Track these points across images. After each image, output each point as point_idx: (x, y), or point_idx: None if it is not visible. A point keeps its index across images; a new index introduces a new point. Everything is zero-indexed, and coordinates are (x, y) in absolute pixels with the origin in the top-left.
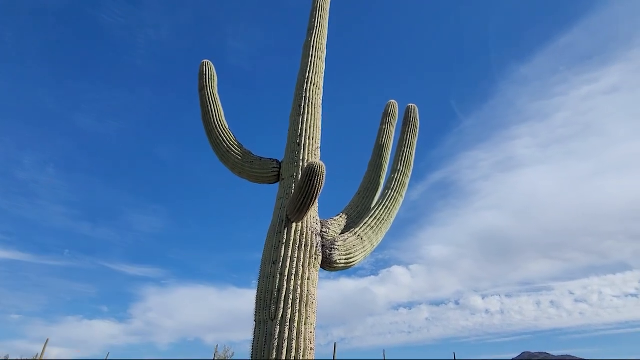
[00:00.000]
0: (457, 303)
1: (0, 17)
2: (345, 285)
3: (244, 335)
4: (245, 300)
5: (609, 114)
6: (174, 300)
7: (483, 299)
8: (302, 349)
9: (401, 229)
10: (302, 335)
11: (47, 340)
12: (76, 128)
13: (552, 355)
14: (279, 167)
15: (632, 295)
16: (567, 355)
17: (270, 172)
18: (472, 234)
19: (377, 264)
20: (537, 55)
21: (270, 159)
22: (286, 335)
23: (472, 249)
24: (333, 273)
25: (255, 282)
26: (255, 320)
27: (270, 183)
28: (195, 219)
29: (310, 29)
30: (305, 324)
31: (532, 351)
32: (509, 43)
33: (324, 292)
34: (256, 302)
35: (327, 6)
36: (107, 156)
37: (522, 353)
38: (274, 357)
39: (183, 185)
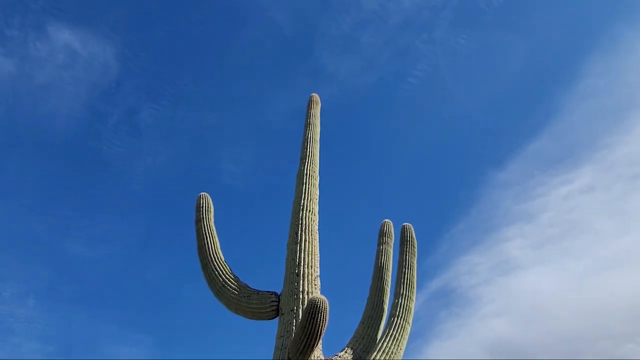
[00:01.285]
0: None
1: (4, 151)
2: None
3: None
4: None
5: (591, 211)
6: None
7: None
8: None
9: (407, 347)
10: None
11: None
12: (63, 255)
13: None
14: (277, 300)
15: None
16: None
17: (268, 306)
18: (481, 344)
19: None
20: (511, 162)
21: (269, 292)
22: None
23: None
24: None
25: None
26: None
27: (269, 319)
28: (183, 353)
29: (303, 157)
30: None
31: None
32: (483, 151)
33: None
34: None
35: (317, 137)
36: (93, 283)
37: None
38: None
39: (171, 314)
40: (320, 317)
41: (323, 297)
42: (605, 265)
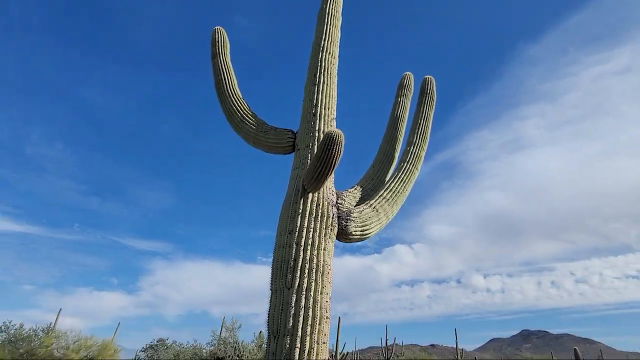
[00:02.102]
0: (458, 282)
1: None
2: (350, 262)
3: (250, 309)
4: (250, 275)
5: (620, 94)
6: (181, 274)
7: (484, 278)
8: (318, 318)
9: (406, 209)
10: (318, 304)
11: (60, 310)
12: (81, 102)
13: (551, 334)
14: (294, 137)
15: (633, 277)
16: (565, 334)
17: (285, 142)
18: (477, 214)
19: (381, 243)
20: (547, 35)
21: (285, 129)
22: (302, 303)
23: (476, 229)
24: (336, 250)
25: (261, 258)
26: (271, 289)
27: (285, 153)
28: (202, 195)
29: None
30: (321, 294)
31: (532, 329)
32: (518, 21)
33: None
34: (272, 271)
35: None
36: (113, 132)
37: (522, 331)
38: (291, 324)
39: (189, 161)
40: (336, 149)
41: (339, 131)
42: (619, 150)
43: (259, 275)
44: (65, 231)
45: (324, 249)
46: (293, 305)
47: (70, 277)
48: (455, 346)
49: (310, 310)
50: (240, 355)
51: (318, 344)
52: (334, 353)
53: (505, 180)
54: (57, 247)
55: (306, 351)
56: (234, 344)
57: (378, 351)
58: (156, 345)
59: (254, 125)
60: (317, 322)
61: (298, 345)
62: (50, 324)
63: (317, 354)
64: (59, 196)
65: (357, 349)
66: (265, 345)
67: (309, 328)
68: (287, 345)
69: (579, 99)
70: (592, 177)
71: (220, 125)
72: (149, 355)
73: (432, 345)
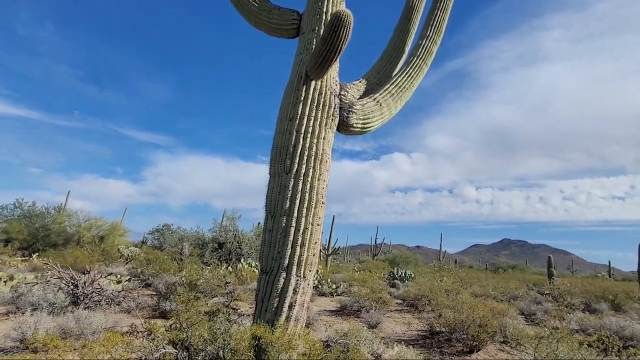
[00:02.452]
0: (450, 192)
1: None
2: (347, 166)
3: (249, 204)
4: (250, 173)
5: None
6: (184, 167)
7: (476, 190)
8: (314, 202)
9: (408, 116)
10: (315, 189)
11: (69, 192)
12: None
13: (529, 243)
14: (299, 19)
15: (619, 198)
16: (542, 244)
17: (289, 23)
18: (479, 127)
19: (380, 149)
20: None
21: (290, 10)
22: (300, 187)
23: (476, 142)
24: (335, 154)
25: (261, 157)
26: (270, 173)
27: (289, 37)
28: (204, 89)
29: None
30: (318, 180)
31: (512, 238)
32: None
33: None
34: (271, 157)
35: None
36: (106, 15)
37: (503, 239)
38: (287, 206)
39: (191, 53)
40: (343, 32)
41: (348, 11)
42: (634, 71)
43: (258, 174)
44: (65, 118)
45: (324, 138)
46: (290, 188)
47: (75, 162)
48: (439, 248)
49: (307, 194)
50: (239, 242)
51: (312, 225)
52: (326, 247)
53: (514, 95)
54: (58, 133)
55: (301, 230)
56: (234, 232)
57: (367, 248)
58: (162, 229)
59: (255, 2)
60: (313, 206)
61: (294, 224)
62: (61, 204)
63: (310, 234)
64: (55, 81)
65: (347, 245)
66: (263, 224)
67: (304, 210)
68: (284, 224)
69: (609, 10)
70: (601, 98)
71: (225, 16)
72: (156, 237)
73: (418, 247)
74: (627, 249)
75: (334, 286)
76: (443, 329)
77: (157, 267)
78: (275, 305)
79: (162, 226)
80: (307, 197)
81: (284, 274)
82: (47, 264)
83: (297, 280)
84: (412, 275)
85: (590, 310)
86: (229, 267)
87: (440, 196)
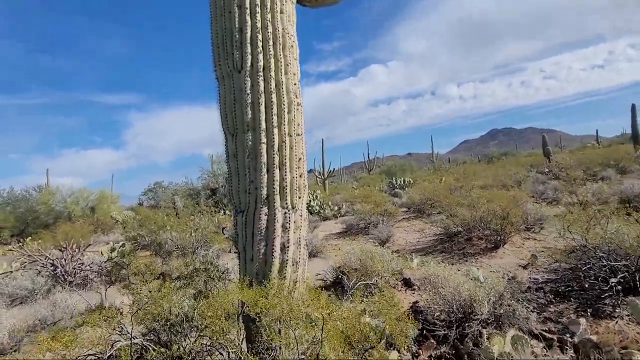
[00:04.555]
0: (433, 93)
1: None
2: (324, 89)
3: None
4: None
5: None
6: (162, 122)
7: (458, 86)
8: (285, 105)
9: (378, 26)
10: (284, 86)
11: (47, 170)
12: None
13: (516, 129)
14: None
15: (599, 66)
16: (529, 127)
17: None
18: (452, 22)
19: (356, 65)
20: None
21: None
22: (261, 87)
23: (451, 38)
24: (309, 78)
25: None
26: (216, 77)
27: None
28: (163, 40)
29: None
30: (285, 73)
31: (499, 127)
32: None
33: (305, 100)
34: (213, 50)
35: None
36: None
37: (490, 130)
38: (249, 117)
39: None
40: None
41: None
42: None
43: None
44: (25, 96)
45: (281, 12)
46: (249, 91)
47: (50, 140)
48: (430, 152)
49: (274, 95)
50: None
51: (290, 136)
52: (321, 172)
53: None
54: (23, 113)
55: (275, 146)
56: (225, 175)
57: (361, 165)
58: (154, 187)
59: None
60: (285, 110)
61: (264, 140)
62: (42, 185)
63: (290, 148)
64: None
65: (342, 166)
66: (224, 146)
67: (275, 118)
68: (250, 143)
69: None
70: None
71: None
72: (150, 197)
73: (409, 154)
74: (610, 116)
75: (336, 208)
76: (461, 229)
77: (151, 225)
78: (263, 251)
79: (154, 184)
80: (274, 100)
81: (264, 209)
82: (13, 250)
83: (285, 212)
84: (412, 182)
85: (597, 179)
86: (226, 212)
87: (422, 100)
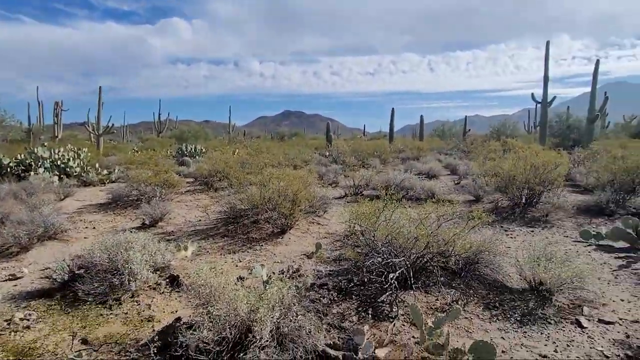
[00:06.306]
0: (236, 64)
1: None
2: (115, 30)
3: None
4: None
5: None
6: None
7: (260, 63)
8: None
9: None
10: None
11: None
12: None
13: (306, 114)
14: None
15: (370, 73)
16: (316, 114)
17: None
18: None
19: (155, 12)
20: None
21: None
22: None
23: (262, 12)
24: (96, 12)
25: None
26: None
27: None
28: None
29: None
30: None
31: (292, 110)
32: None
33: (84, 35)
34: None
35: None
36: None
37: (284, 111)
38: None
39: None
40: None
41: None
42: None
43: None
44: None
45: None
46: None
47: None
48: (228, 122)
49: None
50: None
51: None
52: (94, 125)
53: None
54: None
55: None
56: None
57: (151, 126)
58: None
59: None
60: None
61: None
62: None
63: None
64: None
65: (127, 124)
66: None
67: None
68: None
69: None
70: None
71: None
72: None
73: (207, 121)
74: (374, 114)
75: (105, 172)
76: (249, 212)
77: None
78: None
79: None
80: None
81: None
82: None
83: None
84: (204, 150)
85: (365, 165)
86: None
87: (225, 69)
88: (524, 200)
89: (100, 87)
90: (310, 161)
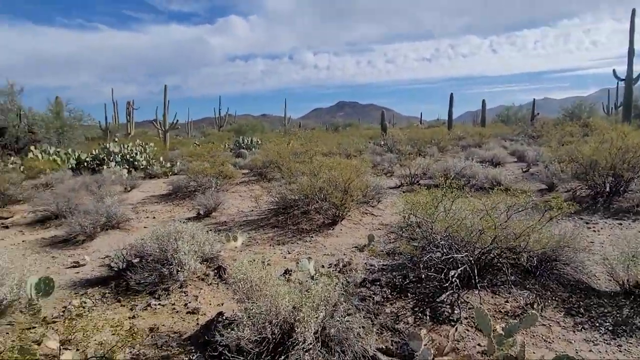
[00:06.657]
0: (291, 58)
1: None
2: (177, 32)
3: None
4: (47, 40)
5: None
6: None
7: (314, 55)
8: None
9: None
10: None
11: None
12: None
13: (360, 104)
14: None
15: (427, 59)
16: (371, 104)
17: None
18: None
19: (214, 11)
20: None
21: None
22: None
23: (313, 4)
24: (161, 16)
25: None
26: None
27: None
28: None
29: None
30: None
31: (346, 100)
32: None
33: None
34: None
35: None
36: None
37: (338, 102)
38: None
39: None
40: None
41: None
42: None
43: (59, 41)
44: None
45: None
46: None
47: None
48: (284, 115)
49: None
50: (30, 125)
51: None
52: (161, 122)
53: None
54: None
55: None
56: (18, 111)
57: (212, 121)
58: None
59: None
60: None
61: None
62: None
63: None
64: None
65: (190, 120)
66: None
67: None
68: None
69: None
70: None
71: None
72: None
73: (264, 115)
74: (432, 102)
75: (168, 165)
76: (299, 202)
77: None
78: None
79: None
80: None
81: None
82: None
83: None
84: (259, 142)
85: (422, 154)
86: (14, 160)
87: (281, 63)
88: (608, 189)
89: (165, 86)
90: (364, 150)
